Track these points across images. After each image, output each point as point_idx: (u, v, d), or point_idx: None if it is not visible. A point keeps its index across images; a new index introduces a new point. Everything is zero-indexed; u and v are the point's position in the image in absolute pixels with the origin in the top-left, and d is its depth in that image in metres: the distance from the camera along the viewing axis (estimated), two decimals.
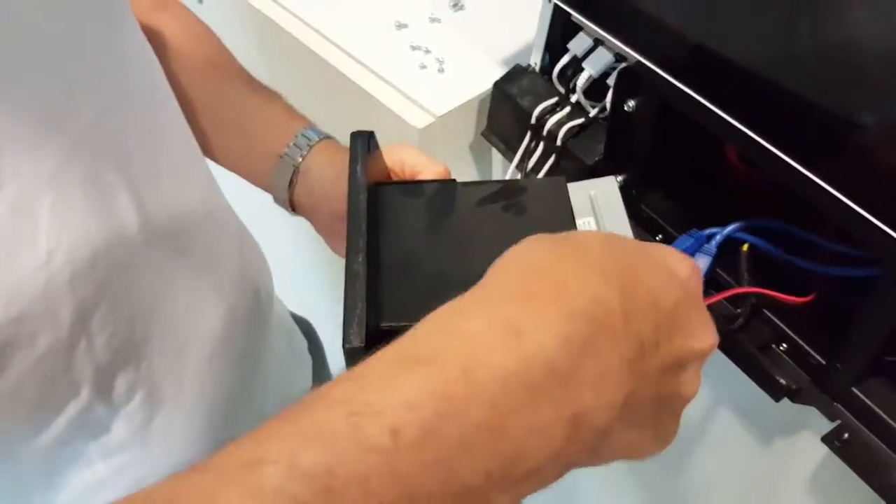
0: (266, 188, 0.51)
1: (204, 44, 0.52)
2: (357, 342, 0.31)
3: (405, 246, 0.36)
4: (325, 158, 0.48)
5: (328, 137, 0.50)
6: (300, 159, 0.48)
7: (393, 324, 0.33)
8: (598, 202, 0.40)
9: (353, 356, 0.31)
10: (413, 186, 0.41)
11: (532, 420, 0.22)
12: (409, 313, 0.31)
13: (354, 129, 0.40)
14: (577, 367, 0.23)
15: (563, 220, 0.37)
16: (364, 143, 0.38)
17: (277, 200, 0.51)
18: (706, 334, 0.28)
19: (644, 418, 0.27)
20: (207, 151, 0.51)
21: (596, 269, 0.25)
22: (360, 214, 0.35)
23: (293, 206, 0.50)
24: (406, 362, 0.22)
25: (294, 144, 0.48)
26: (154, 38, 0.49)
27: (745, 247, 0.47)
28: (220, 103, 0.50)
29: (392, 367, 0.22)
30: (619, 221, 0.39)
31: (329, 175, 0.48)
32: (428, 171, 0.45)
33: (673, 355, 0.26)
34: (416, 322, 0.26)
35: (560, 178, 0.40)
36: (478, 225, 0.38)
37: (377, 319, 0.33)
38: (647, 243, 0.29)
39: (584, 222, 0.39)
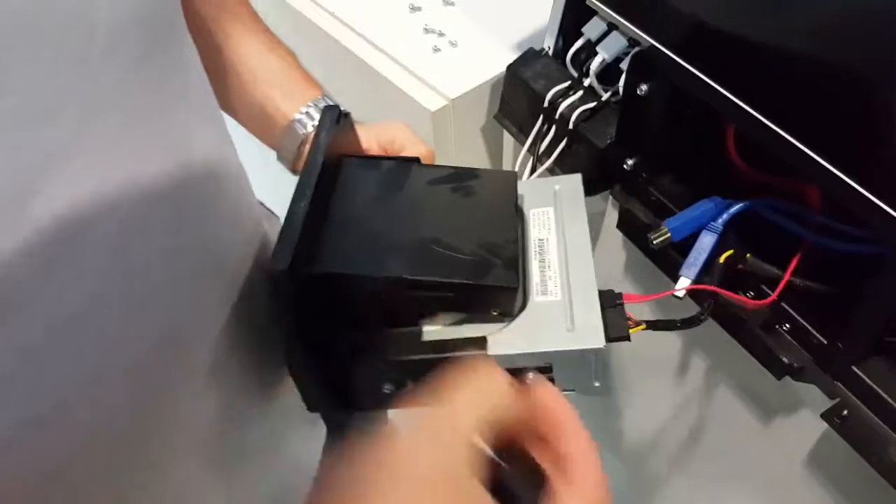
0: (272, 147, 0.51)
1: None
2: (281, 265, 0.33)
3: (351, 209, 0.39)
4: None
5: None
6: (310, 128, 0.49)
7: (326, 271, 0.36)
8: (561, 196, 0.43)
9: (276, 279, 0.34)
10: (372, 161, 0.43)
11: None
12: (339, 264, 0.36)
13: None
14: None
15: (506, 207, 0.39)
16: (333, 115, 0.41)
17: (281, 159, 0.52)
18: None
19: None
20: (223, 103, 0.50)
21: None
22: (313, 170, 0.38)
23: (294, 168, 0.51)
24: None
25: (306, 112, 0.49)
26: None
27: (723, 258, 0.48)
28: (242, 59, 0.50)
29: None
30: (577, 213, 0.42)
31: None
32: (411, 150, 0.45)
33: None
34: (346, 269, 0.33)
35: (513, 172, 0.43)
36: (423, 200, 0.40)
37: (310, 267, 0.36)
38: None
39: (544, 211, 0.42)
